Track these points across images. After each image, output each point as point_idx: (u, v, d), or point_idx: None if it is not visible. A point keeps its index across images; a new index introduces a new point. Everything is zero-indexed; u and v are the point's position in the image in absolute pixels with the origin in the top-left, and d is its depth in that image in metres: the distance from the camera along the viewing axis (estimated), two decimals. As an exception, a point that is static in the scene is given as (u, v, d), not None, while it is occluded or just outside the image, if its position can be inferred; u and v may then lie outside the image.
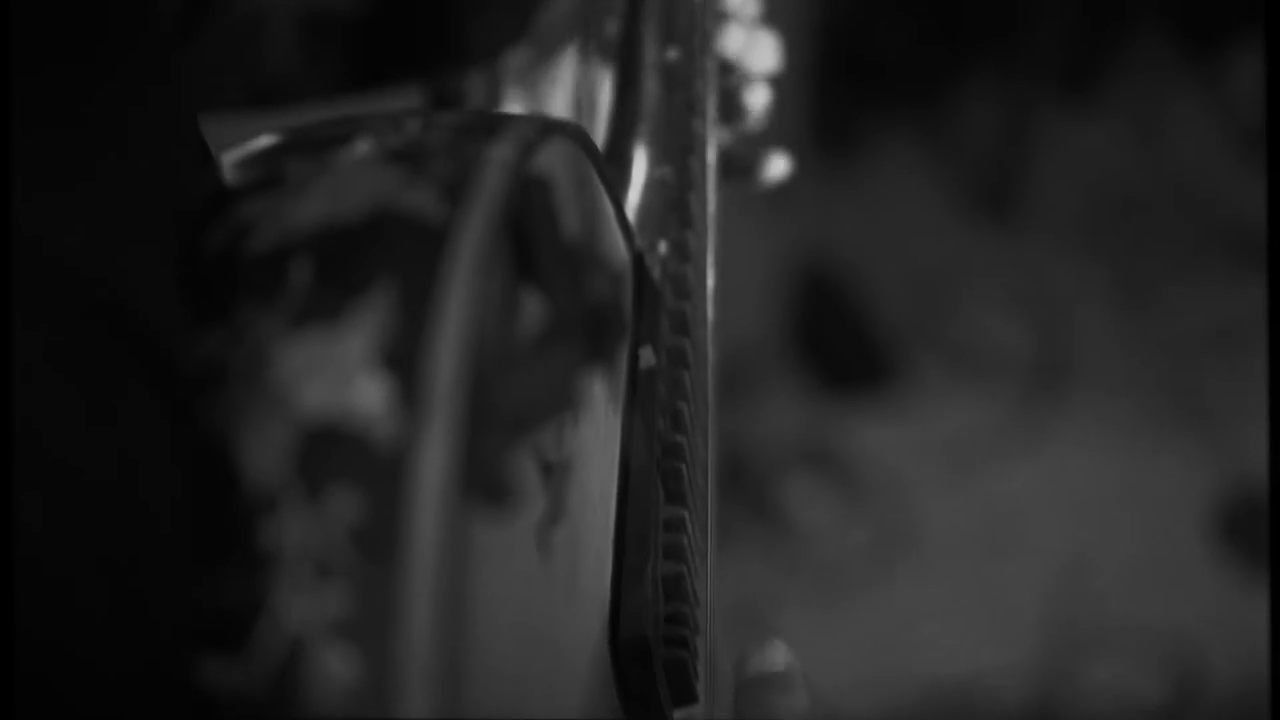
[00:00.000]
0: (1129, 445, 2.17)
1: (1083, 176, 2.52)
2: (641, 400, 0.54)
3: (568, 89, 0.75)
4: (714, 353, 0.62)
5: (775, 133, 0.83)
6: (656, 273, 0.59)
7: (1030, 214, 2.49)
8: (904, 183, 2.50)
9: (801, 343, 2.27)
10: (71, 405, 0.38)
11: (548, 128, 0.46)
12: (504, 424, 0.42)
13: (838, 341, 2.29)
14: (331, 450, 0.38)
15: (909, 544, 2.06)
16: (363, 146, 0.44)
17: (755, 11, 0.80)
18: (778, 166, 0.82)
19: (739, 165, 0.81)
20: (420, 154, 0.43)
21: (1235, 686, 1.90)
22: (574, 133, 0.50)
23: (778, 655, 0.58)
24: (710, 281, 0.62)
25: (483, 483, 0.40)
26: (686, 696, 0.54)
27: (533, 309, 0.44)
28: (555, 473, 0.45)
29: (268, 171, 0.44)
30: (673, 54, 0.66)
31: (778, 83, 0.81)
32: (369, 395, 0.39)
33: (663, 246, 0.60)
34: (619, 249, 0.54)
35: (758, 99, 0.80)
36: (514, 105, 0.77)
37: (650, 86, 0.65)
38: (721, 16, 0.78)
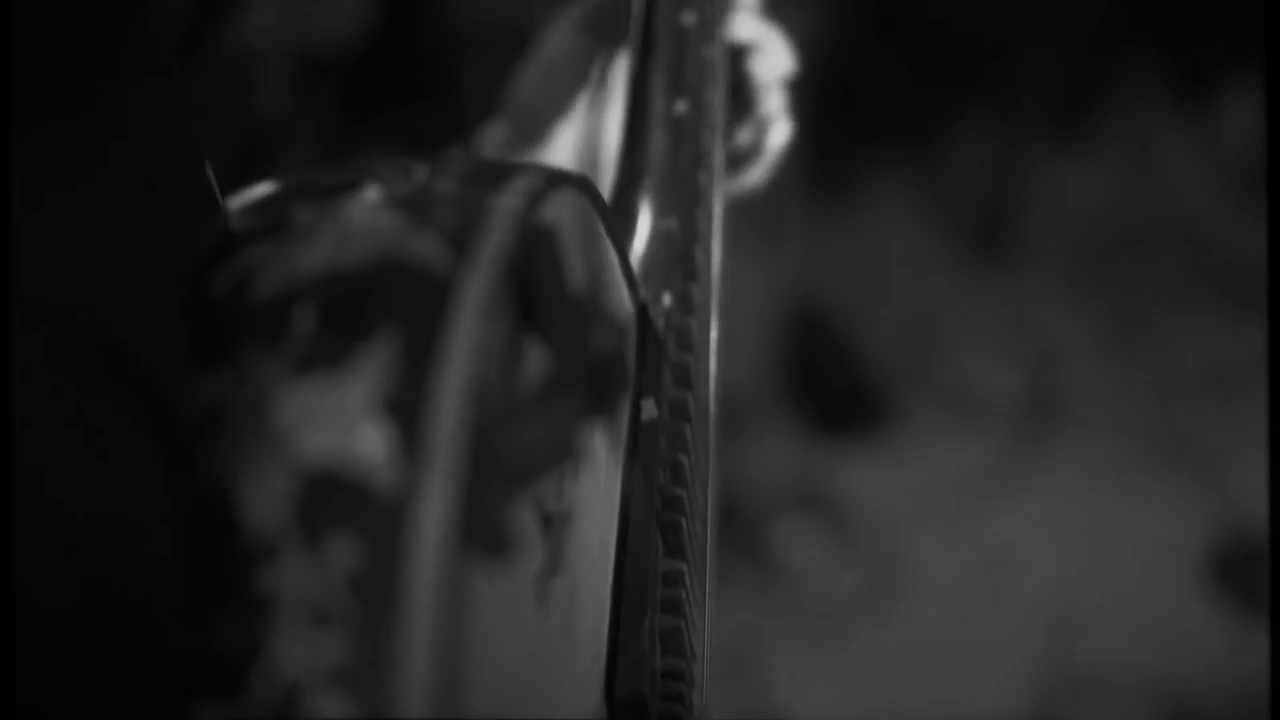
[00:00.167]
0: (1121, 486, 2.17)
1: (1074, 216, 2.53)
2: (642, 452, 0.54)
3: (575, 139, 0.75)
4: (715, 405, 0.62)
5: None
6: (660, 325, 0.59)
7: (1022, 253, 2.49)
8: (896, 222, 2.51)
9: (793, 384, 2.27)
10: (71, 447, 0.38)
11: (554, 179, 0.46)
12: (505, 474, 0.42)
13: (830, 383, 2.28)
14: (332, 497, 0.38)
15: (901, 586, 2.06)
16: (370, 194, 0.44)
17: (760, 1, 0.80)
18: (780, 134, 0.81)
19: (745, 153, 0.80)
20: (427, 202, 0.43)
21: (1227, 729, 1.90)
22: (580, 184, 0.50)
23: None
24: (714, 334, 0.62)
25: (482, 533, 0.40)
26: (681, 753, 0.53)
27: (536, 359, 0.44)
28: (555, 524, 0.45)
29: (274, 217, 0.44)
30: (681, 107, 0.66)
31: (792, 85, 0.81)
32: (370, 442, 0.39)
33: (667, 299, 0.60)
34: (623, 301, 0.54)
35: (774, 104, 0.80)
36: (517, 150, 0.77)
37: (658, 139, 0.65)
38: (731, 7, 0.77)
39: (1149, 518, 2.13)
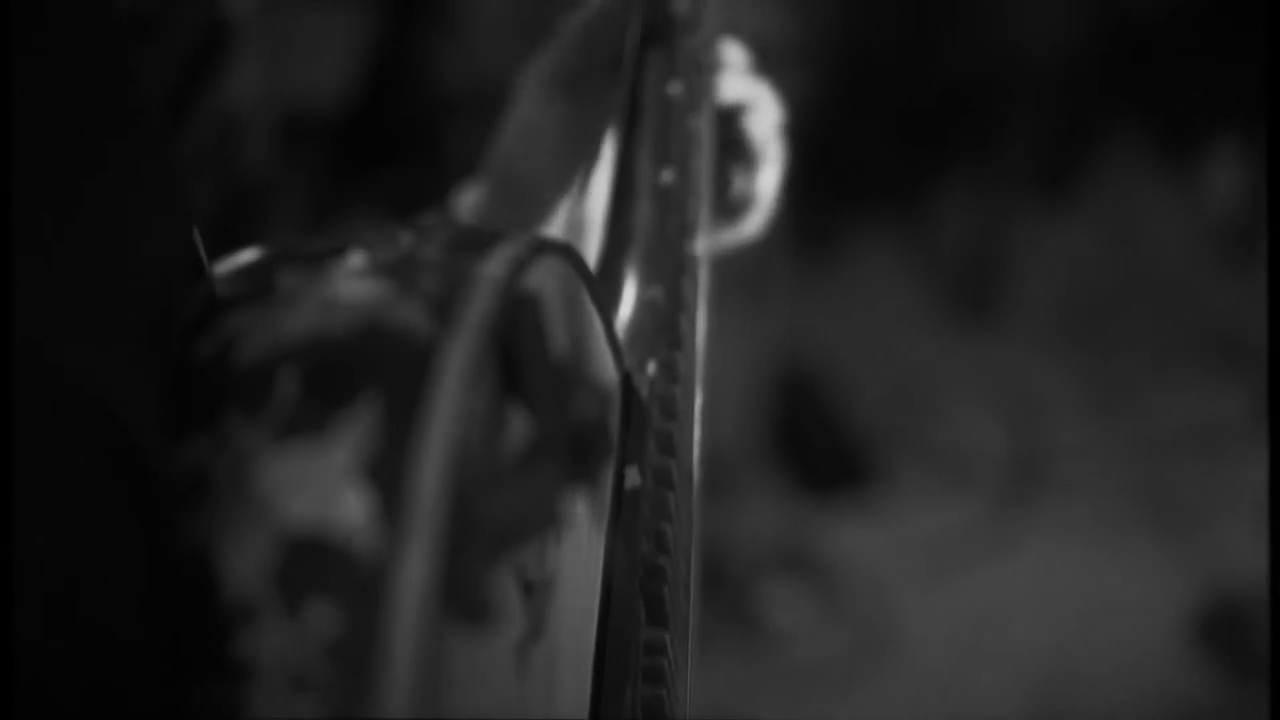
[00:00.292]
0: (1107, 547, 2.17)
1: (1060, 276, 2.54)
2: (625, 521, 0.54)
3: (559, 204, 0.75)
4: (700, 473, 0.62)
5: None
6: (645, 392, 0.58)
7: (1008, 313, 2.50)
8: (882, 281, 2.51)
9: (779, 444, 2.27)
10: (52, 511, 0.38)
11: (539, 246, 0.46)
12: (486, 541, 0.42)
13: (815, 443, 2.28)
14: (312, 563, 0.38)
15: (887, 646, 2.05)
16: (355, 260, 0.44)
17: (748, 61, 0.80)
18: (772, 179, 0.81)
19: (741, 203, 0.81)
20: (411, 269, 0.43)
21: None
22: (565, 252, 0.50)
23: None
24: (698, 401, 0.62)
25: (463, 600, 0.40)
26: (664, 825, 0.53)
27: (518, 426, 0.44)
28: (536, 592, 0.45)
29: (260, 283, 0.44)
30: (667, 176, 0.66)
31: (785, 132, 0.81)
32: (351, 508, 0.38)
33: (651, 367, 0.59)
34: (607, 368, 0.54)
35: (770, 153, 0.80)
36: (497, 210, 0.77)
37: (644, 208, 0.65)
38: (719, 67, 0.78)
39: (1135, 577, 2.13)
